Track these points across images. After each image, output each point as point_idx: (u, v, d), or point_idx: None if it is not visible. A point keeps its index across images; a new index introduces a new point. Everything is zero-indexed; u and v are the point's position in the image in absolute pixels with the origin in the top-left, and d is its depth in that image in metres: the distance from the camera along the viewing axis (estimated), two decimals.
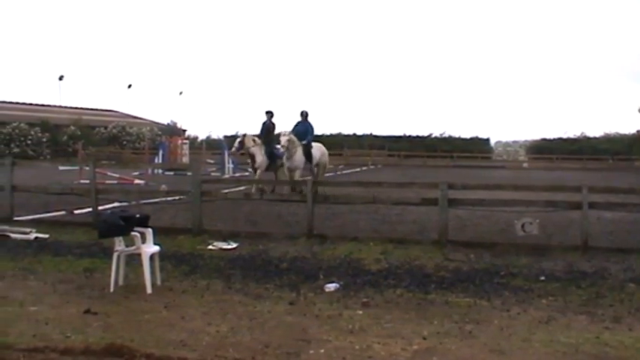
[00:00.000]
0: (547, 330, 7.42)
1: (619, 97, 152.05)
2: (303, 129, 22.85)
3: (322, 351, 6.55)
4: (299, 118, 23.36)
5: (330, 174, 37.89)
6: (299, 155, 22.15)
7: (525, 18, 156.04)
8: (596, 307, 8.51)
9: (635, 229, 15.49)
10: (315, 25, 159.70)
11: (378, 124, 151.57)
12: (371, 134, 79.73)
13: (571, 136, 79.61)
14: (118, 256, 9.19)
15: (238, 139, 24.83)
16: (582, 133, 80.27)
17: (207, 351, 6.51)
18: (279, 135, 22.42)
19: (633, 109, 72.94)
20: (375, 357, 6.42)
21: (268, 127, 24.24)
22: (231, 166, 36.07)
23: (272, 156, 23.60)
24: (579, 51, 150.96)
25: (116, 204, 17.04)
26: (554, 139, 79.25)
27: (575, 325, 7.65)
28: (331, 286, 9.40)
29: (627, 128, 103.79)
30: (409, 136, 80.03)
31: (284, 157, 22.25)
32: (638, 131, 71.65)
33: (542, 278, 10.19)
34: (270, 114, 24.37)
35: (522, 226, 13.25)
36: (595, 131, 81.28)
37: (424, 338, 6.99)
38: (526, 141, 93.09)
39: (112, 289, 9.04)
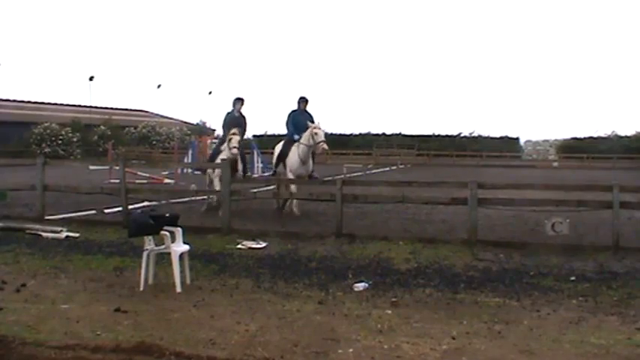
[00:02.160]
0: (577, 331, 7.36)
1: None
2: (304, 122, 18.12)
3: (351, 350, 6.54)
4: (295, 106, 18.78)
5: (360, 173, 37.89)
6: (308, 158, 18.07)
7: (557, 16, 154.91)
8: (628, 308, 8.43)
9: None
10: (344, 25, 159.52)
11: (407, 124, 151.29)
12: (400, 134, 79.82)
13: (602, 134, 79.08)
14: (148, 255, 9.24)
15: None
16: (613, 131, 79.64)
17: (236, 350, 6.52)
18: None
19: None
20: (403, 357, 6.40)
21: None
22: (260, 165, 36.10)
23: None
24: (610, 49, 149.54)
25: (145, 203, 17.16)
26: (584, 138, 78.79)
27: (606, 326, 7.58)
28: (360, 286, 9.39)
29: None
30: (438, 135, 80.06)
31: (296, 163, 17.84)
32: None
33: (573, 278, 10.11)
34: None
35: (552, 225, 13.18)
36: (626, 130, 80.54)
37: (453, 338, 6.96)
38: (556, 140, 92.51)
39: (141, 288, 9.08)
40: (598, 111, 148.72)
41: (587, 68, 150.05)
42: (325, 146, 17.80)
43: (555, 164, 66.61)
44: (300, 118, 18.16)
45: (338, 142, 75.10)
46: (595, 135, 78.87)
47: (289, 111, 18.62)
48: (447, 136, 79.84)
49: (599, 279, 10.11)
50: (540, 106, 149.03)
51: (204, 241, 12.81)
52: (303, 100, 18.63)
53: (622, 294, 9.18)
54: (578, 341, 6.90)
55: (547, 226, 13.24)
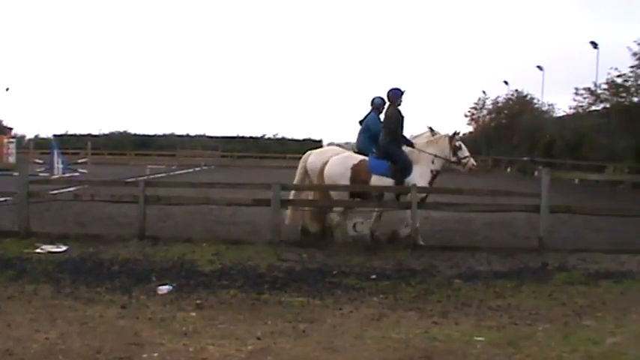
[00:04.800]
0: (378, 327, 7.59)
1: (447, 101, 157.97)
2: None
3: (155, 354, 6.42)
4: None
5: (163, 174, 37.41)
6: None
7: (340, 22, 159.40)
8: (425, 304, 8.80)
9: (461, 227, 16.17)
10: (139, 21, 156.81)
11: (211, 125, 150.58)
12: (204, 135, 79.43)
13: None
14: None
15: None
16: (411, 135, 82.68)
17: (36, 359, 6.25)
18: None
19: (459, 114, 76.82)
20: (209, 359, 6.35)
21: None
22: (60, 166, 34.89)
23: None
24: (408, 58, 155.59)
25: None
26: None
27: (405, 321, 7.86)
28: (164, 288, 9.26)
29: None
30: (242, 136, 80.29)
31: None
32: (463, 134, 74.62)
33: (373, 277, 10.43)
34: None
35: (354, 225, 13.54)
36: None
37: (258, 338, 6.98)
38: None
39: None
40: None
41: (385, 73, 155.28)
42: None
43: None
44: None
45: (141, 142, 73.95)
46: None
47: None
48: (251, 137, 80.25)
49: (398, 276, 10.48)
50: (343, 108, 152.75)
51: (0, 246, 12.21)
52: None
53: (419, 290, 9.58)
54: (379, 337, 7.11)
55: (349, 226, 13.58)
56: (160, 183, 20.05)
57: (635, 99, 35.02)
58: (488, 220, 16.82)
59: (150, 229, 13.74)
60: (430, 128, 14.64)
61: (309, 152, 15.15)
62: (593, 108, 39.49)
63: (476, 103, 66.79)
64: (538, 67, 66.17)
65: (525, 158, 49.45)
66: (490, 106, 65.00)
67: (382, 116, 14.35)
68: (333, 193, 13.91)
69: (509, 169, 54.68)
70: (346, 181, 13.59)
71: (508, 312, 8.46)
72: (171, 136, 78.54)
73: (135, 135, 78.43)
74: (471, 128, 69.00)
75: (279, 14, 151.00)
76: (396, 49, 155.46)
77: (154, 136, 79.28)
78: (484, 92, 67.55)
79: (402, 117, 14.00)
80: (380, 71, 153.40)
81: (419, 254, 12.38)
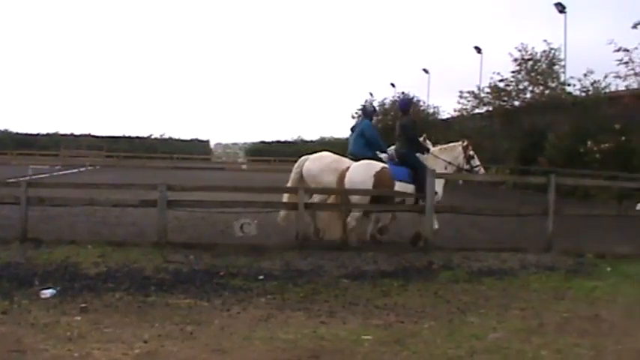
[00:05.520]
0: (267, 327, 7.61)
1: (333, 103, 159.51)
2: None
3: None
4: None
5: (46, 175, 36.48)
6: None
7: (245, 22, 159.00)
8: (313, 303, 8.88)
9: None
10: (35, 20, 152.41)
11: (96, 124, 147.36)
12: (89, 134, 77.94)
13: (288, 139, 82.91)
14: None
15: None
16: (299, 136, 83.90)
17: None
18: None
19: (347, 115, 78.09)
20: None
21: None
22: None
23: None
24: (298, 58, 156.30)
25: None
26: (272, 142, 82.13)
27: (293, 322, 7.91)
28: (47, 292, 9.02)
29: (341, 133, 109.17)
30: (129, 136, 79.29)
31: None
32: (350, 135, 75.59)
33: (261, 277, 10.45)
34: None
35: (241, 226, 13.52)
36: (311, 135, 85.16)
37: (145, 342, 6.89)
38: (245, 143, 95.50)
39: None
40: (285, 117, 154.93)
41: (275, 75, 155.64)
42: None
43: (244, 167, 68.45)
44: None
45: (23, 142, 71.92)
46: (282, 139, 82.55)
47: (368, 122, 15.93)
48: (137, 137, 79.24)
49: (285, 277, 10.53)
50: (230, 110, 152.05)
51: None
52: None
53: (307, 290, 9.65)
54: (267, 337, 7.13)
55: (236, 227, 13.56)
56: (43, 184, 19.57)
57: (517, 102, 36.17)
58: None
59: (32, 232, 13.37)
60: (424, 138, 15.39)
61: (304, 157, 15.19)
62: (477, 111, 40.57)
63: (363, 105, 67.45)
64: (424, 70, 67.70)
65: None
66: (377, 108, 65.76)
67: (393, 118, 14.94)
68: (354, 199, 14.07)
69: None
70: (368, 187, 13.85)
71: (394, 310, 8.62)
72: (55, 135, 76.73)
73: (17, 134, 76.23)
74: None
75: (172, 14, 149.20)
76: (286, 51, 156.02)
77: (37, 135, 77.28)
78: (371, 94, 68.49)
79: (416, 124, 14.41)
80: (268, 73, 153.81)
81: (306, 254, 12.45)
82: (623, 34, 76.75)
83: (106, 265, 11.06)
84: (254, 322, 7.84)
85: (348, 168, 14.04)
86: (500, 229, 16.72)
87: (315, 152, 15.47)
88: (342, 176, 13.97)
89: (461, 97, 40.82)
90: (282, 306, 8.71)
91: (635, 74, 24.88)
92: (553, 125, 32.40)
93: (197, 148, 79.50)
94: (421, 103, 61.45)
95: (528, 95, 36.21)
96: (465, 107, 40.96)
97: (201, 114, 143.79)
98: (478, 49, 56.03)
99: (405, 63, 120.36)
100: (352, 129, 15.78)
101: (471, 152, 14.97)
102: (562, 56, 37.32)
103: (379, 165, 14.18)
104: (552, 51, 36.33)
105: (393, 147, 15.07)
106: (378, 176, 13.91)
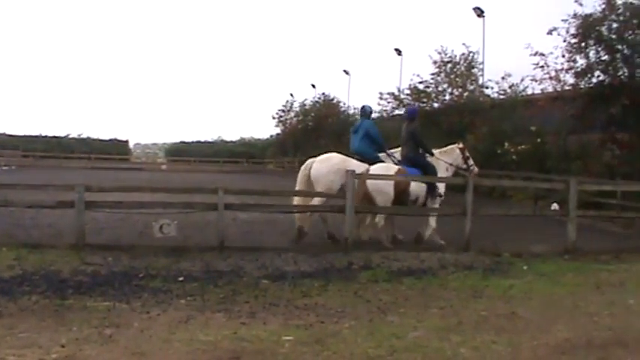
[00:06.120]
0: (187, 329, 7.54)
1: (254, 103, 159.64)
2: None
3: None
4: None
5: None
6: None
7: (164, 22, 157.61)
8: (233, 304, 8.84)
9: (268, 229, 16.31)
10: None
11: (11, 123, 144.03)
12: (4, 133, 76.05)
13: (209, 139, 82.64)
14: None
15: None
16: (219, 137, 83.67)
17: None
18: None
19: (267, 116, 78.38)
20: None
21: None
22: None
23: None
24: (219, 58, 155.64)
25: None
26: (192, 142, 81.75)
27: (214, 323, 7.86)
28: None
29: (261, 133, 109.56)
30: (45, 136, 77.63)
31: None
32: (271, 136, 75.95)
33: (181, 279, 10.36)
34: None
35: (160, 227, 13.38)
36: (231, 135, 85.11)
37: (62, 346, 6.74)
38: (165, 143, 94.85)
39: None
40: (205, 117, 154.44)
41: (195, 76, 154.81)
42: None
43: (164, 167, 67.85)
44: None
45: None
46: (202, 139, 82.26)
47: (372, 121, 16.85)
48: (54, 137, 77.75)
49: (206, 278, 10.47)
50: (149, 110, 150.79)
51: None
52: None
53: (227, 291, 9.62)
54: (187, 339, 7.07)
55: (155, 228, 13.42)
56: None
57: (436, 104, 36.56)
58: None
59: None
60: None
61: (311, 160, 15.59)
62: (397, 112, 40.90)
63: (284, 106, 67.65)
64: (345, 71, 68.09)
65: None
66: (297, 109, 66.00)
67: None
68: (378, 199, 14.59)
69: None
70: (391, 189, 14.56)
71: (315, 311, 8.64)
72: None
73: None
74: (278, 130, 70.02)
75: (90, 12, 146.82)
76: (207, 51, 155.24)
77: None
78: (292, 95, 68.68)
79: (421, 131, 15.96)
80: (188, 73, 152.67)
81: (226, 255, 12.40)
82: (539, 39, 78.91)
83: (22, 267, 10.80)
84: (174, 324, 7.76)
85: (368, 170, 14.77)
86: (418, 229, 16.88)
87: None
88: (363, 180, 14.48)
89: (381, 98, 41.07)
90: (203, 307, 8.66)
91: (551, 78, 25.41)
92: (471, 127, 32.84)
93: (116, 148, 78.54)
94: (341, 104, 61.75)
95: (447, 97, 36.60)
96: (384, 108, 41.18)
97: (120, 114, 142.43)
98: (398, 51, 56.62)
99: (326, 64, 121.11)
100: (355, 130, 16.36)
101: (467, 154, 16.24)
102: (480, 59, 37.99)
103: (396, 168, 15.04)
104: (471, 54, 36.88)
105: (392, 150, 16.19)
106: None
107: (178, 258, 12.00)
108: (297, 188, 14.68)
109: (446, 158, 15.96)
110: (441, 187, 15.29)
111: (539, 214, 19.32)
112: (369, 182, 14.50)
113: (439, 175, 15.51)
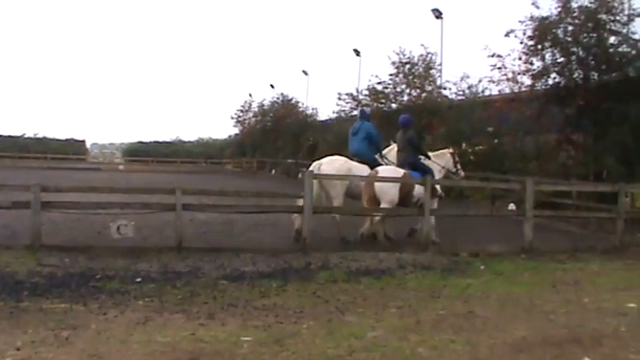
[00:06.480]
0: (144, 331, 7.49)
1: (212, 103, 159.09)
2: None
3: None
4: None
5: None
6: None
7: (119, 22, 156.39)
8: (192, 305, 8.80)
9: (226, 229, 16.28)
10: None
11: None
12: None
13: (166, 139, 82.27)
14: None
15: None
16: (177, 137, 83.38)
17: None
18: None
19: (225, 116, 78.38)
20: None
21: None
22: None
23: None
24: (176, 58, 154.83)
25: None
26: (150, 142, 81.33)
27: (172, 324, 7.82)
28: None
29: (220, 134, 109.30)
30: (0, 135, 76.53)
31: None
32: (229, 136, 75.79)
33: (139, 280, 10.31)
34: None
35: (118, 228, 13.30)
36: (189, 135, 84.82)
37: (18, 349, 6.65)
38: (122, 143, 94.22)
39: None
40: (163, 117, 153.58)
41: (152, 76, 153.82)
42: None
43: (121, 167, 67.30)
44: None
45: None
46: (160, 140, 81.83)
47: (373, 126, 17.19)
48: (9, 136, 76.75)
49: (164, 279, 10.42)
50: (106, 109, 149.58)
51: None
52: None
53: (186, 292, 9.57)
54: (145, 341, 7.02)
55: (112, 228, 13.34)
56: None
57: (394, 105, 36.67)
58: (254, 221, 17.00)
59: None
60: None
61: (317, 162, 16.11)
62: (355, 113, 41.00)
63: (242, 106, 67.50)
64: (303, 71, 68.08)
65: (290, 160, 50.52)
66: (256, 109, 65.90)
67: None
68: (384, 201, 14.87)
69: (274, 171, 55.55)
70: (397, 191, 14.90)
71: (274, 311, 8.63)
72: None
73: None
74: (237, 130, 69.85)
75: (46, 10, 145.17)
76: (164, 51, 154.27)
77: None
78: (250, 95, 68.53)
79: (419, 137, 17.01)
80: (145, 72, 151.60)
81: (184, 256, 12.36)
82: (497, 40, 79.86)
83: None
84: (131, 326, 7.70)
85: (375, 172, 15.24)
86: None
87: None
88: (370, 182, 14.99)
89: (339, 99, 41.17)
90: (160, 309, 8.61)
91: (508, 79, 25.66)
92: (429, 128, 33.03)
93: (72, 148, 77.80)
94: (300, 105, 61.71)
95: (405, 98, 36.74)
96: (343, 109, 41.29)
97: (77, 113, 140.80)
98: (357, 52, 56.75)
99: (285, 64, 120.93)
100: (354, 132, 16.69)
101: (457, 158, 17.31)
102: (439, 60, 38.25)
103: (402, 171, 15.47)
104: (429, 55, 37.10)
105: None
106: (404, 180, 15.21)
107: (136, 259, 11.93)
108: (307, 191, 14.08)
109: (439, 161, 16.79)
110: (439, 188, 15.92)
111: (496, 214, 19.54)
112: (376, 185, 14.82)
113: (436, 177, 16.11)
